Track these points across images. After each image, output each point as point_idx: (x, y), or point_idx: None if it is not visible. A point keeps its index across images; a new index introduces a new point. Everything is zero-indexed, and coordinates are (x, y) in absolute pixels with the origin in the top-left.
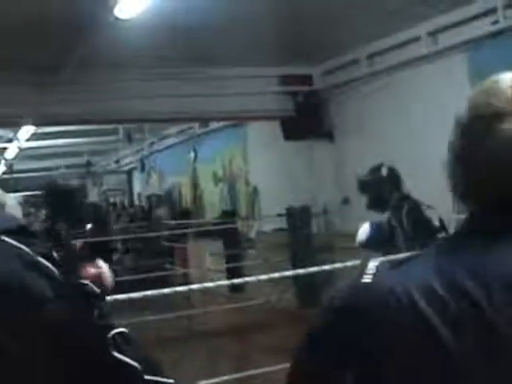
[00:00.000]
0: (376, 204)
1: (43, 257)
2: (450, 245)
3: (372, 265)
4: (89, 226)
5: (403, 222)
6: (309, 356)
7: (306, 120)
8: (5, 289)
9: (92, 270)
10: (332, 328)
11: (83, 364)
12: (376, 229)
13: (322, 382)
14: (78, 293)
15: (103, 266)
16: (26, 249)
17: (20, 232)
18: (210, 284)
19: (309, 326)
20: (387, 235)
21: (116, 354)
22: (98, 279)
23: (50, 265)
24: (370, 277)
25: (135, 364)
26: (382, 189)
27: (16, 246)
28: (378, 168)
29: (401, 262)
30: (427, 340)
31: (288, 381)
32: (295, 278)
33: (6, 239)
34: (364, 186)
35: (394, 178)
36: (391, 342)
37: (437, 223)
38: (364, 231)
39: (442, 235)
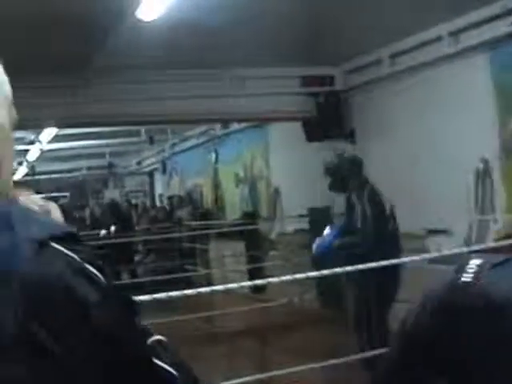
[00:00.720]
0: (337, 186)
1: (90, 264)
2: None
3: (474, 262)
4: (112, 228)
5: (364, 200)
6: (397, 357)
7: (328, 121)
8: (52, 292)
9: None
10: (427, 331)
11: (124, 369)
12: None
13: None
14: (123, 299)
15: None
16: (74, 255)
17: (67, 238)
18: (233, 285)
19: (397, 328)
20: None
21: (157, 361)
22: None
23: (96, 271)
24: (472, 275)
25: (174, 371)
26: (344, 173)
27: (64, 253)
28: (341, 154)
29: (507, 262)
30: None
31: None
32: (318, 278)
33: (55, 245)
34: (328, 170)
35: (355, 164)
36: (493, 352)
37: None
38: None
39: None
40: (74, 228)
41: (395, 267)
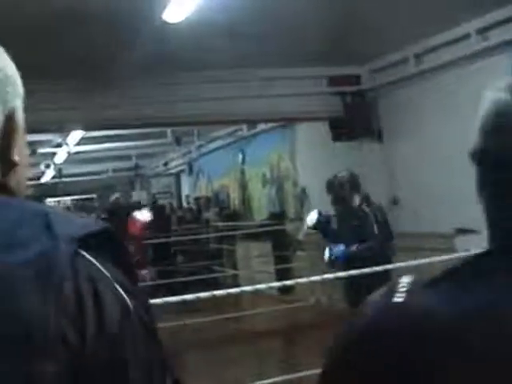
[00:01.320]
0: (338, 202)
1: (117, 281)
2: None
3: (405, 280)
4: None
5: (374, 210)
6: None
7: (355, 120)
8: (83, 299)
9: None
10: (352, 359)
11: None
12: (323, 216)
13: None
14: (146, 324)
15: None
16: (106, 272)
17: (102, 240)
18: (262, 285)
19: (324, 358)
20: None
21: None
22: None
23: (123, 293)
24: (403, 295)
25: None
26: (344, 190)
27: (97, 266)
28: (340, 173)
29: (437, 280)
30: None
31: None
32: (346, 278)
33: (86, 255)
34: (328, 186)
35: (353, 181)
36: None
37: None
38: (312, 217)
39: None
40: (109, 226)
41: None
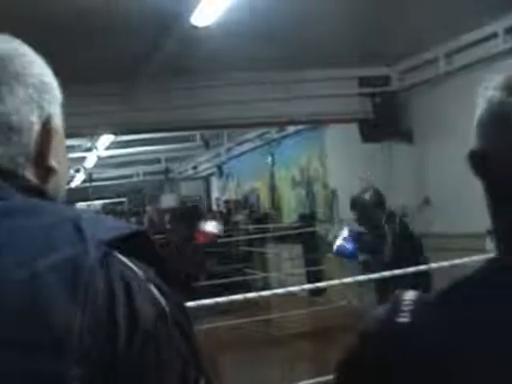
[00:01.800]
0: (362, 219)
1: (152, 282)
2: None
3: (408, 298)
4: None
5: (394, 233)
6: None
7: (385, 121)
8: (114, 301)
9: None
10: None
11: None
12: (353, 239)
13: None
14: (181, 326)
15: None
16: (139, 272)
17: (134, 242)
18: (294, 288)
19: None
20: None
21: None
22: None
23: (157, 293)
24: (407, 315)
25: None
26: (366, 207)
27: (129, 267)
28: (364, 191)
29: (442, 298)
30: None
31: None
32: (377, 280)
33: (119, 256)
34: (352, 204)
35: (377, 200)
36: None
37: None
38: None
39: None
40: (143, 228)
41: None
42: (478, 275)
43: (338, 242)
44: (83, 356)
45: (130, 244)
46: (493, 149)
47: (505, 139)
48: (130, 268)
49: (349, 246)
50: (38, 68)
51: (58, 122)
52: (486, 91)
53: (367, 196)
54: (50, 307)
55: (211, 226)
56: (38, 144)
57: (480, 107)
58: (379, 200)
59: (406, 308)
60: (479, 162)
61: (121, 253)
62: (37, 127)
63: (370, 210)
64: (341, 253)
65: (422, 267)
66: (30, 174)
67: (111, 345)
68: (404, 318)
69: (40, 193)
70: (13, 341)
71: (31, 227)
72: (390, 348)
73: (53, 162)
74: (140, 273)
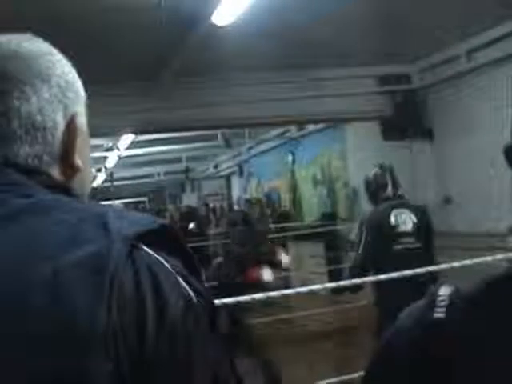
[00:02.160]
0: (369, 199)
1: (180, 275)
2: None
3: (444, 293)
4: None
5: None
6: None
7: (405, 119)
8: (140, 297)
9: None
10: (402, 371)
11: None
12: None
13: None
14: (210, 318)
15: None
16: (167, 265)
17: (160, 236)
18: (317, 286)
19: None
20: None
21: None
22: None
23: (186, 286)
24: (443, 310)
25: None
26: (371, 188)
27: (157, 260)
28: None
29: (478, 293)
30: None
31: None
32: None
33: (146, 248)
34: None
35: (379, 180)
36: None
37: None
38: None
39: None
40: (166, 223)
41: None
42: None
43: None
44: (111, 351)
45: (157, 238)
46: None
47: None
48: (158, 261)
49: None
50: (62, 67)
51: (82, 121)
52: None
53: (368, 176)
54: (73, 303)
55: (267, 275)
56: (63, 143)
57: None
58: (379, 181)
59: (441, 303)
60: None
61: (148, 246)
62: (61, 126)
63: (372, 189)
64: None
65: (443, 266)
66: (55, 172)
67: (139, 339)
68: (440, 314)
69: (65, 190)
70: (38, 336)
71: (56, 224)
72: (426, 345)
73: (77, 161)
74: (167, 265)
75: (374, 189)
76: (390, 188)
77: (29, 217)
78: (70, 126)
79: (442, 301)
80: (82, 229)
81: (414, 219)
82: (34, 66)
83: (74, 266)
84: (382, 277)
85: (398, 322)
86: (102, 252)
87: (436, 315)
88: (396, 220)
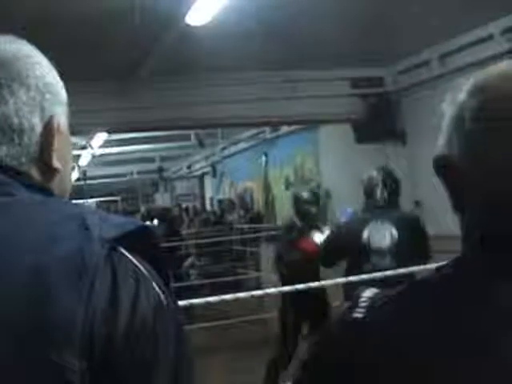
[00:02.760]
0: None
1: (154, 280)
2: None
3: (366, 295)
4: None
5: None
6: None
7: (378, 122)
8: (117, 296)
9: None
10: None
11: None
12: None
13: None
14: (178, 324)
15: None
16: (143, 268)
17: (137, 238)
18: (286, 288)
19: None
20: None
21: None
22: None
23: (159, 291)
24: (362, 310)
25: None
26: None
27: (133, 263)
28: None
29: (397, 296)
30: None
31: None
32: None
33: (124, 252)
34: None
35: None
36: None
37: None
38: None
39: None
40: (146, 225)
41: None
42: (434, 275)
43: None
44: (86, 349)
45: (134, 240)
46: (452, 154)
47: (460, 142)
48: (134, 265)
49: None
50: (42, 69)
51: (62, 121)
52: (455, 96)
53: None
54: (53, 301)
55: (318, 237)
56: (41, 145)
57: (446, 112)
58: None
59: (361, 304)
60: (441, 168)
61: (125, 249)
62: (39, 128)
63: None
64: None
65: (400, 269)
66: (34, 173)
67: (111, 337)
68: (358, 314)
69: (45, 191)
70: (14, 328)
71: (37, 222)
72: (343, 344)
73: (55, 162)
74: (143, 269)
75: (364, 193)
76: (378, 195)
77: (10, 214)
78: (47, 127)
79: (363, 302)
80: (63, 228)
81: (395, 234)
82: (13, 68)
83: (55, 263)
84: (354, 278)
85: (326, 325)
86: (82, 252)
87: (355, 315)
88: (369, 235)
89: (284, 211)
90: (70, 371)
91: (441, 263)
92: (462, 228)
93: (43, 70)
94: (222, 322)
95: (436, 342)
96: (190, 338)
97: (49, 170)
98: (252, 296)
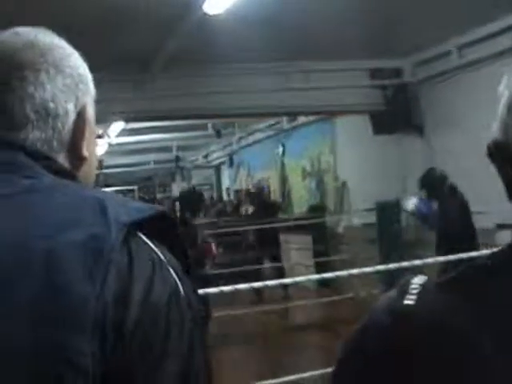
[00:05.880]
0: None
1: (172, 266)
2: None
3: (416, 281)
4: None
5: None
6: None
7: (396, 114)
8: (132, 282)
9: None
10: (374, 357)
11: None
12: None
13: None
14: (196, 311)
15: None
16: (160, 254)
17: (156, 223)
18: (301, 278)
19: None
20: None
21: None
22: None
23: (176, 277)
24: (414, 297)
25: None
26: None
27: (151, 248)
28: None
29: (452, 282)
30: None
31: None
32: (384, 272)
33: (143, 237)
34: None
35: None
36: (435, 378)
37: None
38: (412, 202)
39: None
40: (165, 211)
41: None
42: (487, 262)
43: (411, 204)
44: (97, 335)
45: (153, 225)
46: (509, 140)
47: None
48: (151, 249)
49: (424, 209)
50: (75, 60)
51: (91, 113)
52: (511, 79)
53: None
54: (66, 285)
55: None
56: (72, 132)
57: (503, 96)
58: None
59: (413, 291)
60: (496, 154)
61: (143, 233)
62: (72, 115)
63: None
64: (419, 214)
65: (428, 260)
66: (62, 160)
67: (123, 324)
68: (409, 301)
69: (71, 177)
70: (28, 313)
71: (58, 205)
72: (394, 331)
73: (84, 151)
74: (160, 254)
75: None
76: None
77: (31, 197)
78: (81, 115)
79: (415, 288)
80: (80, 212)
81: None
82: (50, 56)
83: (71, 247)
84: (369, 269)
85: (371, 309)
86: (99, 236)
87: (406, 302)
88: None
89: (301, 202)
90: (82, 355)
91: (495, 249)
92: None
93: (77, 61)
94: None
95: (486, 337)
96: (209, 329)
97: (77, 158)
98: (252, 288)
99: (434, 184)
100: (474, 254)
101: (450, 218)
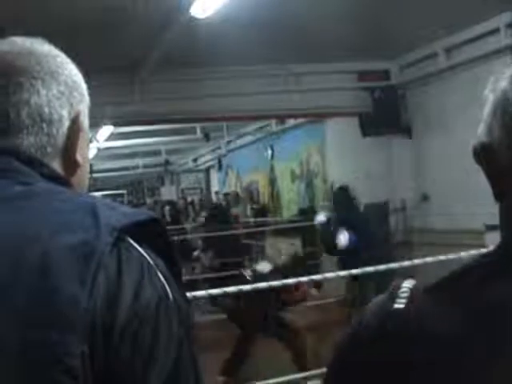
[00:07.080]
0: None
1: (161, 271)
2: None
3: (406, 285)
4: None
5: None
6: None
7: (384, 116)
8: (120, 285)
9: None
10: (353, 361)
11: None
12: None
13: None
14: (184, 317)
15: None
16: (150, 259)
17: (146, 228)
18: (289, 280)
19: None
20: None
21: None
22: None
23: (164, 282)
24: (404, 301)
25: None
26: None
27: (141, 255)
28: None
29: (439, 286)
30: None
31: None
32: (373, 274)
33: (132, 242)
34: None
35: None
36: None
37: None
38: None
39: None
40: (155, 216)
41: None
42: (476, 265)
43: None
44: (87, 336)
45: (143, 230)
46: (493, 142)
47: (501, 128)
48: (141, 254)
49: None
50: (69, 69)
51: (85, 120)
52: (496, 83)
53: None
54: (58, 288)
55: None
56: (67, 138)
57: (488, 99)
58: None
59: (402, 295)
60: (481, 155)
61: (133, 239)
62: (67, 122)
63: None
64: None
65: (417, 261)
66: (56, 166)
67: (113, 327)
68: (399, 305)
69: (64, 182)
70: (20, 315)
71: (51, 209)
72: (384, 334)
73: (78, 157)
74: (150, 260)
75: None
76: None
77: (24, 202)
78: (75, 122)
79: (404, 292)
80: (73, 217)
81: None
82: (46, 64)
83: (63, 251)
84: (381, 267)
85: (361, 313)
86: (91, 240)
87: (396, 306)
88: None
89: (290, 204)
90: (71, 356)
91: (486, 251)
92: (501, 216)
93: (72, 69)
94: None
95: (479, 340)
96: (197, 335)
97: (71, 164)
98: (240, 290)
99: (344, 203)
100: (463, 254)
101: (371, 231)
